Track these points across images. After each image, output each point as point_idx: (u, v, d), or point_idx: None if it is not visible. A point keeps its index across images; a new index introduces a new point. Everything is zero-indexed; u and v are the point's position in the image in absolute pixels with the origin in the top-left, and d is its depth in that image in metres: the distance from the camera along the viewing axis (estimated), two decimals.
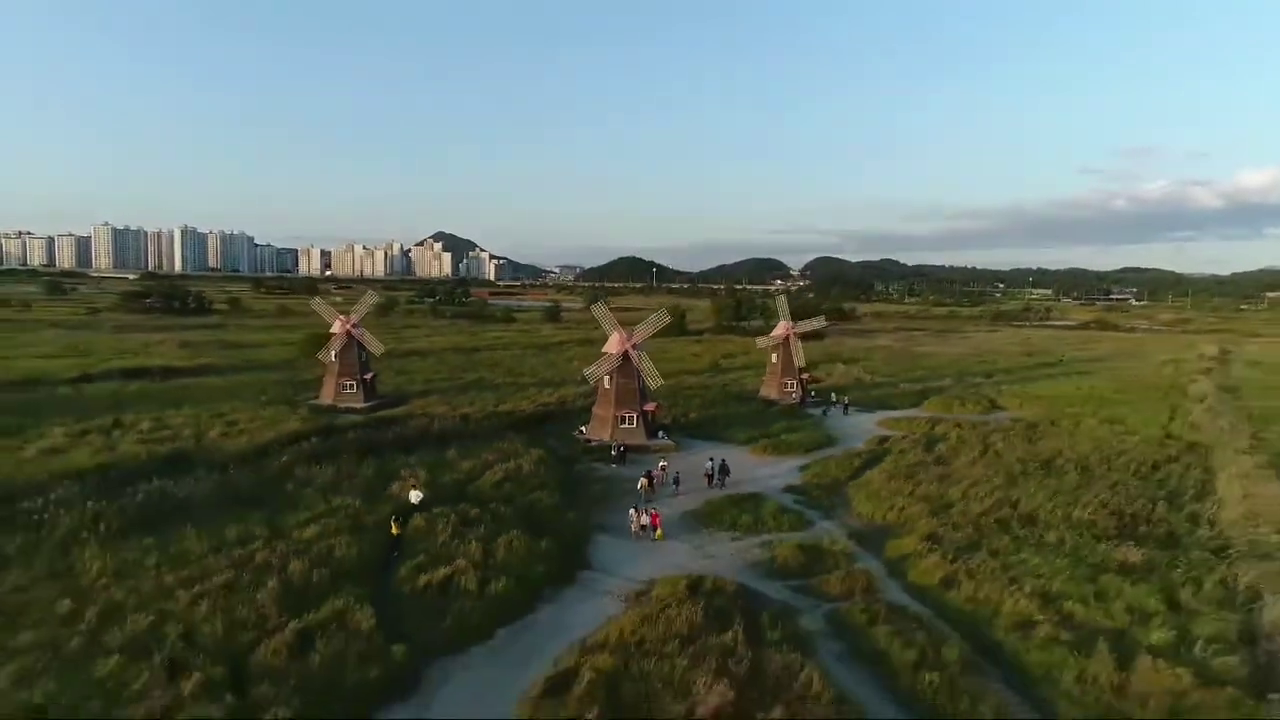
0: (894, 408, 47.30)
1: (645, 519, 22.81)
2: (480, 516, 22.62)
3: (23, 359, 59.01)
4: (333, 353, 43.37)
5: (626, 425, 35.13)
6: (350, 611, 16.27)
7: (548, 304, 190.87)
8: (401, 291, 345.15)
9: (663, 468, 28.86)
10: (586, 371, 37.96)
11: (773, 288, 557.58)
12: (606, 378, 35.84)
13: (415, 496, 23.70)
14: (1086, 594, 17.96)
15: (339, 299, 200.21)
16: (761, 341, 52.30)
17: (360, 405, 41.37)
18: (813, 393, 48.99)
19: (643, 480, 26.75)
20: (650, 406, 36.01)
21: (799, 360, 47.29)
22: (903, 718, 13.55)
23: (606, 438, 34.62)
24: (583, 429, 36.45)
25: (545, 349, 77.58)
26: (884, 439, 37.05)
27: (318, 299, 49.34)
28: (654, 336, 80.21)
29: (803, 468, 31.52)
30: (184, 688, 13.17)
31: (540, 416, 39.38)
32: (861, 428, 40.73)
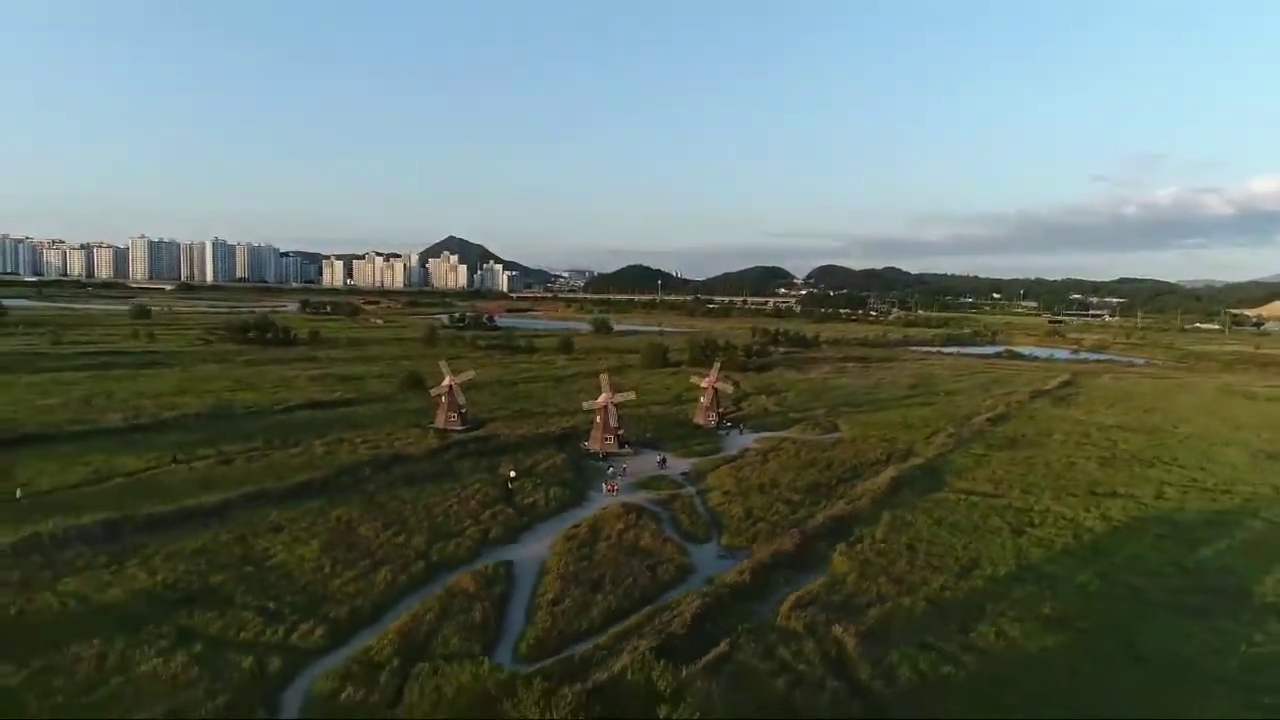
0: (773, 430, 78.58)
1: (608, 486, 54.28)
2: (542, 481, 54.24)
3: (223, 391, 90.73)
4: (442, 396, 74.91)
5: (608, 441, 66.47)
6: (503, 509, 47.86)
7: (561, 324, 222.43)
8: (424, 307, 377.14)
9: (624, 468, 60.07)
10: (585, 405, 69.77)
11: (769, 304, 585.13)
12: (597, 414, 67.33)
13: (512, 473, 55.31)
14: (766, 507, 49.43)
15: (380, 322, 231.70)
16: (694, 379, 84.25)
17: (459, 428, 72.62)
18: (724, 421, 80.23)
19: (610, 469, 58.38)
20: (621, 431, 67.39)
21: (706, 400, 78.82)
22: (674, 534, 45.01)
23: (597, 447, 65.95)
24: (585, 443, 67.78)
25: (560, 381, 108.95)
26: (747, 449, 68.41)
27: (444, 362, 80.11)
28: (641, 368, 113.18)
29: (694, 464, 62.88)
30: (465, 527, 44.86)
31: (563, 435, 70.44)
32: (742, 444, 71.70)
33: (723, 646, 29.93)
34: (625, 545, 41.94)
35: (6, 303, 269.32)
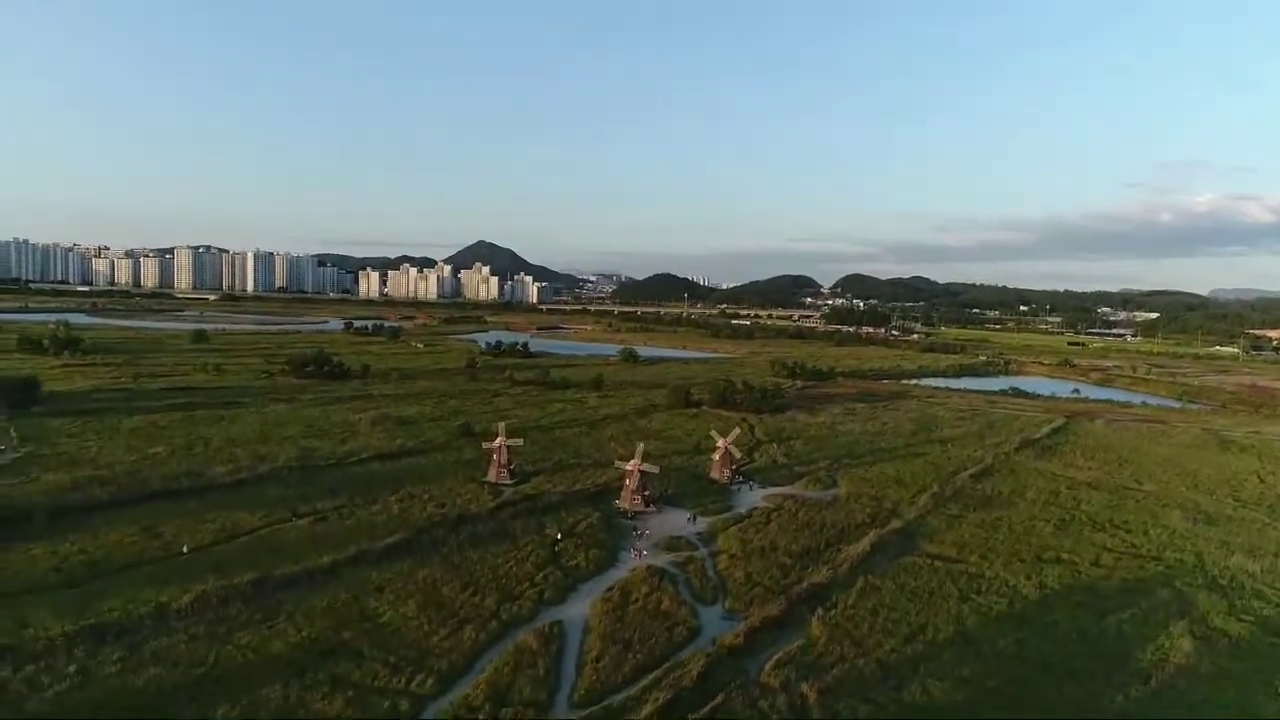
0: (779, 484, 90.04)
1: (635, 550, 66.22)
2: (582, 542, 66.40)
3: (299, 438, 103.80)
4: (493, 453, 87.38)
5: (636, 500, 78.50)
6: (552, 570, 60.00)
7: (590, 347, 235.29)
8: (460, 324, 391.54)
9: (646, 531, 71.46)
10: (617, 464, 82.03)
11: (794, 317, 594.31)
12: (628, 477, 79.42)
13: (559, 535, 67.55)
14: (763, 572, 61.11)
15: (420, 346, 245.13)
16: (713, 433, 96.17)
17: (509, 483, 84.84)
18: (737, 475, 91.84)
19: (636, 530, 70.45)
20: (646, 492, 79.37)
21: (720, 458, 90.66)
22: (688, 596, 56.86)
23: (627, 506, 77.97)
24: (617, 500, 79.81)
25: (594, 426, 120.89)
26: (754, 508, 79.95)
27: (502, 424, 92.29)
28: (665, 409, 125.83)
29: (709, 524, 74.56)
30: (524, 589, 57.08)
31: (597, 493, 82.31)
32: (751, 500, 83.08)
33: (719, 699, 41.86)
34: (649, 608, 53.88)
35: (69, 319, 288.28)
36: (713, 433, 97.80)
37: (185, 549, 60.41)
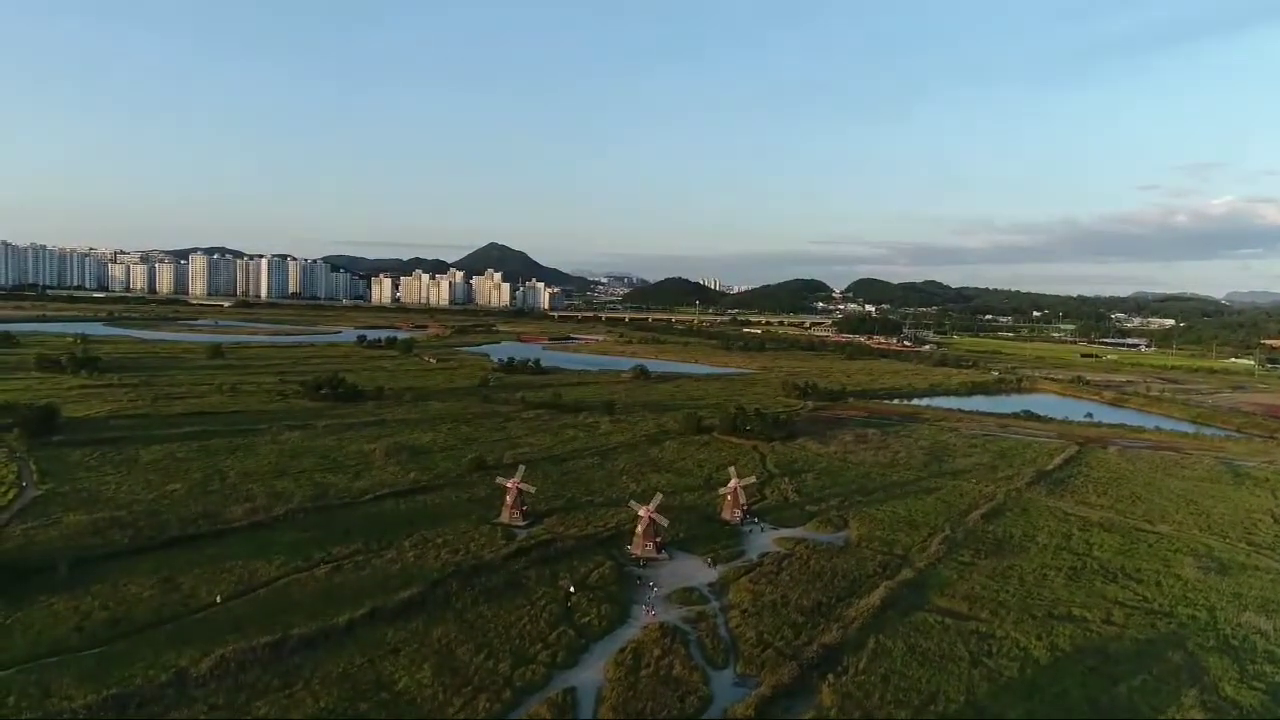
0: (790, 526, 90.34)
1: (647, 609, 66.63)
2: (594, 597, 66.96)
3: (314, 472, 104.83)
4: (507, 494, 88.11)
5: (648, 546, 78.99)
6: (565, 630, 60.57)
7: (601, 360, 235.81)
8: (471, 334, 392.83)
9: (654, 587, 71.79)
10: (631, 504, 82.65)
11: (806, 324, 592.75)
12: (640, 524, 79.95)
13: (571, 589, 68.15)
14: (774, 631, 61.54)
15: (433, 361, 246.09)
16: (730, 474, 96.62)
17: (521, 524, 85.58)
18: (748, 515, 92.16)
19: (640, 577, 70.96)
20: (658, 538, 79.86)
21: (731, 499, 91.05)
22: (699, 659, 57.32)
23: (638, 552, 78.49)
24: (629, 545, 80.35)
25: (605, 456, 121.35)
26: (765, 554, 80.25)
27: (522, 467, 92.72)
28: (677, 436, 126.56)
29: (721, 573, 74.93)
30: (537, 651, 57.74)
31: (609, 537, 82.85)
32: (762, 544, 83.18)
33: None
34: (661, 674, 54.28)
35: (87, 329, 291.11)
36: (731, 469, 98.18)
37: (218, 599, 62.10)
